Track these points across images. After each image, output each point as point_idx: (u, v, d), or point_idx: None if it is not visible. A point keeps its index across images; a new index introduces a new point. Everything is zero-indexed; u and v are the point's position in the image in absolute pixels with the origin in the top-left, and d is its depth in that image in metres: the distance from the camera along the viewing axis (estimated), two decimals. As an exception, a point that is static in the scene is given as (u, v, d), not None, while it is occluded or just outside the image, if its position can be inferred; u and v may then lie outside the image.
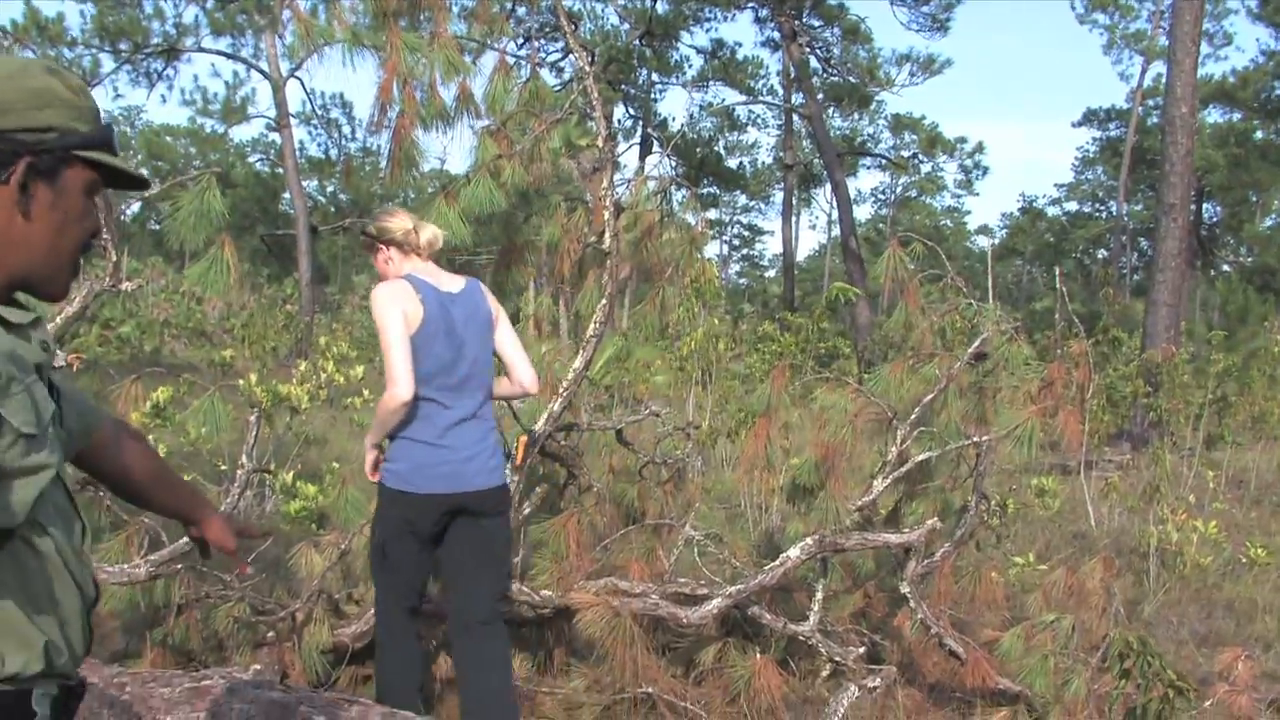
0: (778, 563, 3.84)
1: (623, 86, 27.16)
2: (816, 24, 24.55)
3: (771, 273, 52.93)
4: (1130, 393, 10.60)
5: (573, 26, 4.07)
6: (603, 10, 25.45)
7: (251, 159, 34.00)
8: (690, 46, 27.76)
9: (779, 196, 37.32)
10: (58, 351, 3.53)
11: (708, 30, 28.29)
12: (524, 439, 3.63)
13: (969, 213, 62.09)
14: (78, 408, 1.43)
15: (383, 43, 4.08)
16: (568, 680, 3.97)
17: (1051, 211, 45.20)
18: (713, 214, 44.46)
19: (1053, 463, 9.27)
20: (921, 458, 4.18)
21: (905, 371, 4.33)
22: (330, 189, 36.08)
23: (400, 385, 2.96)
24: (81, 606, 1.28)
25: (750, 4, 24.98)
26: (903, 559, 3.98)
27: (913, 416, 4.16)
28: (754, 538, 5.93)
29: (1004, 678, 3.87)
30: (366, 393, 7.92)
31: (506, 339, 3.27)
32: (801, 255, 47.91)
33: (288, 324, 15.95)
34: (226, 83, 27.50)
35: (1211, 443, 9.93)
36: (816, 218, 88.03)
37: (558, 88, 8.09)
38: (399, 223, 3.16)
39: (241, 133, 47.01)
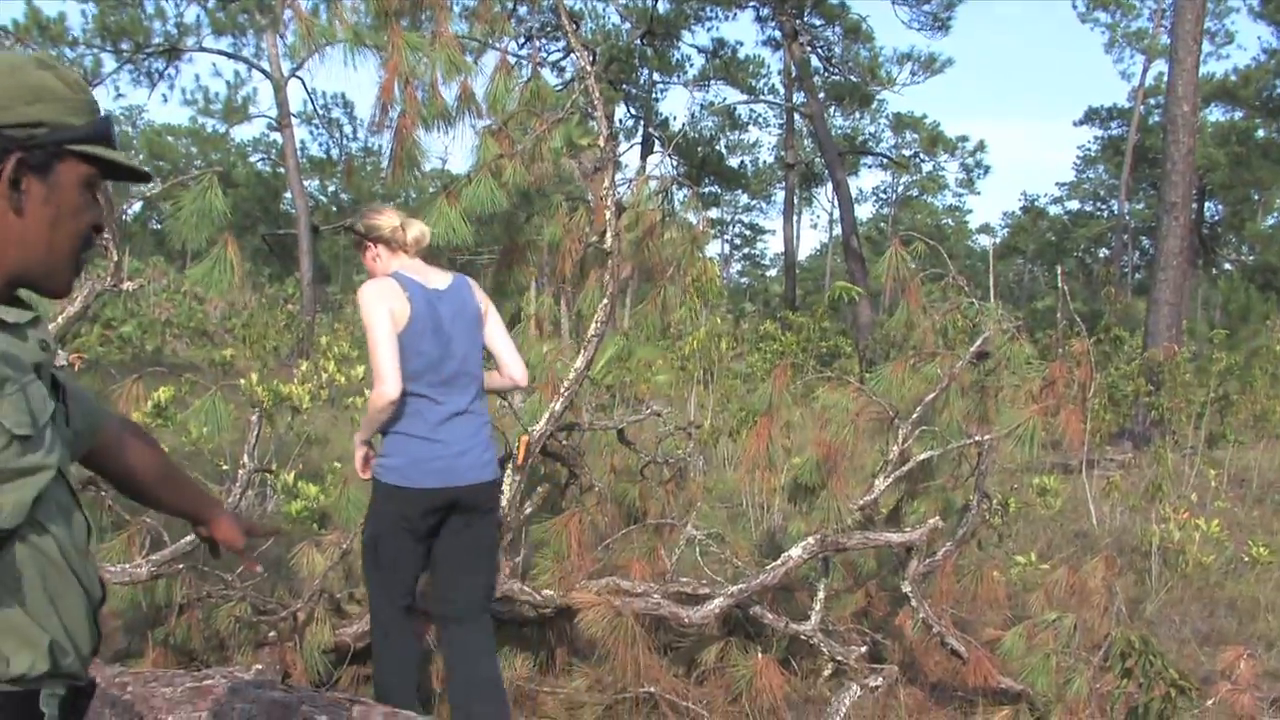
0: (779, 562, 3.84)
1: (624, 86, 27.16)
2: (818, 23, 24.52)
3: (773, 272, 52.93)
4: (1132, 391, 10.60)
5: (574, 26, 4.07)
6: (604, 9, 25.47)
7: (253, 159, 34.01)
8: (691, 46, 27.76)
9: (780, 196, 37.32)
10: (59, 351, 3.53)
11: (709, 29, 28.30)
12: (525, 439, 3.63)
13: (970, 212, 62.28)
14: (84, 407, 1.42)
15: (384, 42, 4.08)
16: (569, 680, 3.97)
17: (1053, 210, 45.21)
18: (714, 213, 44.51)
19: (1054, 462, 9.28)
20: (923, 457, 4.17)
21: (907, 370, 4.33)
22: (332, 189, 36.13)
23: (387, 383, 2.98)
24: (87, 606, 1.27)
25: (751, 3, 24.95)
26: (904, 558, 3.98)
27: (914, 415, 4.16)
28: (755, 537, 5.93)
29: (1006, 677, 3.87)
30: (368, 392, 7.90)
31: (496, 333, 3.28)
32: (803, 254, 47.87)
33: (289, 324, 15.96)
34: (228, 82, 27.62)
35: (1213, 441, 9.92)
36: (818, 217, 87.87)
37: (559, 87, 8.10)
38: (386, 220, 3.17)
39: (243, 132, 46.95)
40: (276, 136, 23.05)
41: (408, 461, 3.06)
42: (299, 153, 21.75)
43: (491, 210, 3.91)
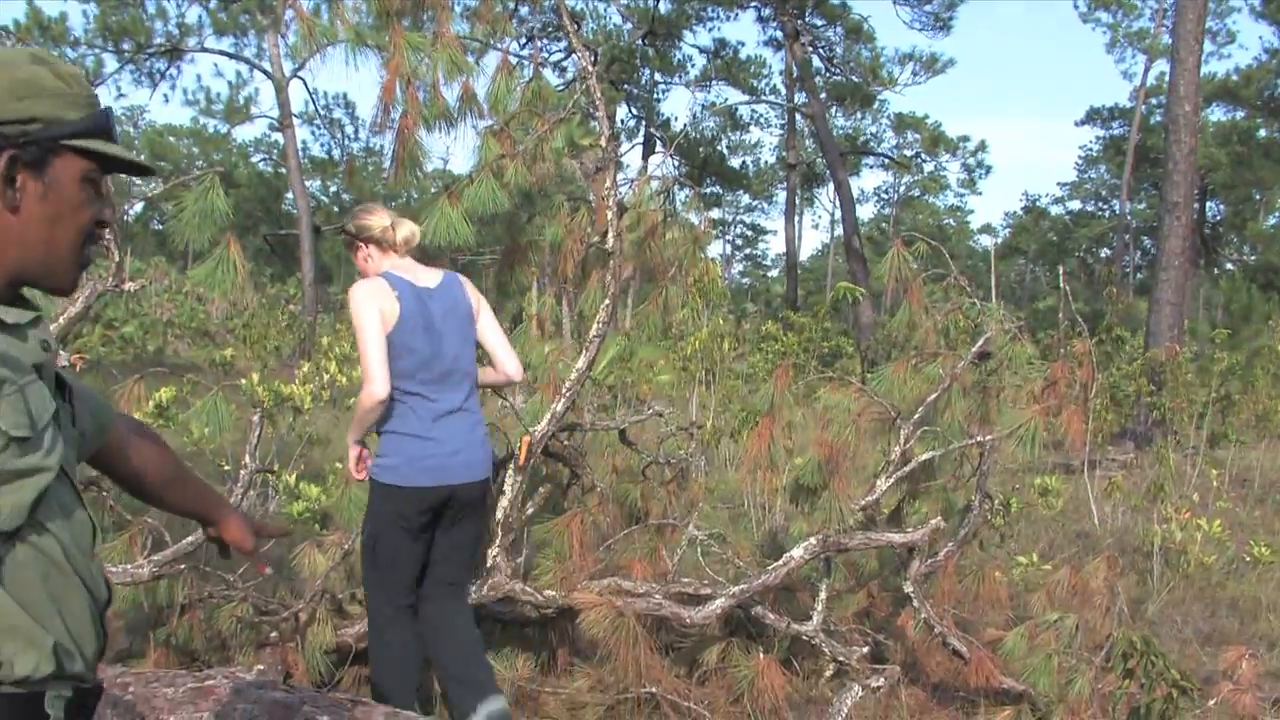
0: (781, 562, 3.84)
1: (625, 86, 27.16)
2: (819, 23, 24.50)
3: (774, 272, 52.94)
4: (1134, 392, 10.59)
5: (575, 26, 4.06)
6: (605, 10, 25.46)
7: (254, 159, 34.04)
8: (693, 46, 27.73)
9: (782, 196, 37.35)
10: (61, 351, 3.53)
11: (710, 30, 28.32)
12: (527, 439, 3.63)
13: (972, 212, 62.19)
14: (92, 407, 1.40)
15: (386, 42, 4.08)
16: (571, 680, 3.97)
17: (1054, 210, 45.19)
18: (716, 213, 44.48)
19: (1056, 462, 9.27)
20: (925, 457, 4.17)
21: (909, 371, 4.32)
22: (333, 189, 36.14)
23: (376, 383, 2.99)
24: (92, 608, 1.25)
25: (753, 3, 24.94)
26: (906, 558, 3.98)
27: (916, 416, 4.16)
28: (757, 537, 5.93)
29: (1008, 677, 3.87)
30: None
31: (488, 328, 3.30)
32: (804, 255, 47.89)
33: (291, 324, 15.97)
34: (229, 83, 27.62)
35: (1215, 441, 9.91)
36: (819, 217, 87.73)
37: (561, 87, 8.10)
38: (377, 220, 3.19)
39: (244, 133, 47.03)
40: (278, 137, 23.04)
41: (403, 460, 3.07)
42: (301, 153, 21.76)
43: (493, 210, 3.91)
